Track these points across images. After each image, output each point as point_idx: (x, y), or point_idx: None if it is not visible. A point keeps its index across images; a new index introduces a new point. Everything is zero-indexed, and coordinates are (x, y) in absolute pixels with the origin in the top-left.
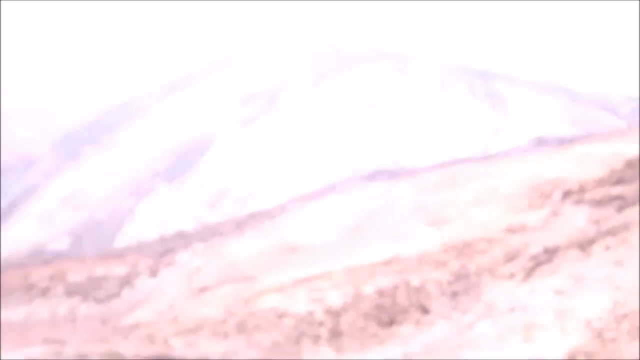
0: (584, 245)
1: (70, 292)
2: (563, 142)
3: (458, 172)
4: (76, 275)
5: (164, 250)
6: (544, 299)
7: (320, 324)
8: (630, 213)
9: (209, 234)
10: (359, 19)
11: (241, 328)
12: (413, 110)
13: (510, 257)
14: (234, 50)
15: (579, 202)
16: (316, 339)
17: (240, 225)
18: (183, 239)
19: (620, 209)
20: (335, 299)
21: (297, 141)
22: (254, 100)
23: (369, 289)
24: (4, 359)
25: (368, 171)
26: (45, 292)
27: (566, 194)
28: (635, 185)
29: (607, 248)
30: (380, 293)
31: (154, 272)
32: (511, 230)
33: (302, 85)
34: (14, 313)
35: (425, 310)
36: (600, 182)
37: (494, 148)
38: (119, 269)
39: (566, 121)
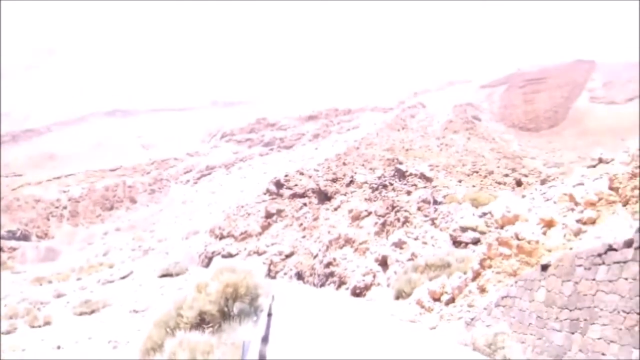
0: (228, 166)
1: None
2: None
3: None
4: None
5: None
6: (203, 195)
7: (64, 207)
8: (256, 150)
9: None
10: None
11: (6, 208)
12: None
13: (187, 171)
14: None
15: (229, 140)
16: (60, 217)
17: (15, 137)
18: None
19: (250, 146)
20: (76, 191)
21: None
22: None
23: (100, 185)
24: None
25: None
26: None
27: (223, 135)
28: (257, 133)
29: (240, 168)
30: (107, 189)
31: None
32: (190, 155)
33: None
34: None
35: (133, 201)
36: (243, 130)
37: None
38: None
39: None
